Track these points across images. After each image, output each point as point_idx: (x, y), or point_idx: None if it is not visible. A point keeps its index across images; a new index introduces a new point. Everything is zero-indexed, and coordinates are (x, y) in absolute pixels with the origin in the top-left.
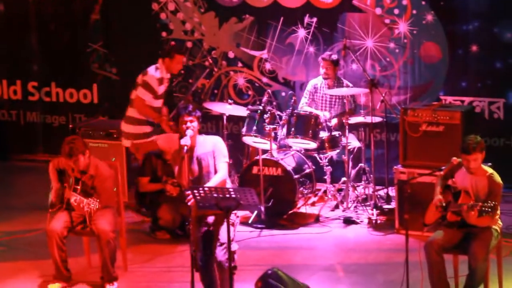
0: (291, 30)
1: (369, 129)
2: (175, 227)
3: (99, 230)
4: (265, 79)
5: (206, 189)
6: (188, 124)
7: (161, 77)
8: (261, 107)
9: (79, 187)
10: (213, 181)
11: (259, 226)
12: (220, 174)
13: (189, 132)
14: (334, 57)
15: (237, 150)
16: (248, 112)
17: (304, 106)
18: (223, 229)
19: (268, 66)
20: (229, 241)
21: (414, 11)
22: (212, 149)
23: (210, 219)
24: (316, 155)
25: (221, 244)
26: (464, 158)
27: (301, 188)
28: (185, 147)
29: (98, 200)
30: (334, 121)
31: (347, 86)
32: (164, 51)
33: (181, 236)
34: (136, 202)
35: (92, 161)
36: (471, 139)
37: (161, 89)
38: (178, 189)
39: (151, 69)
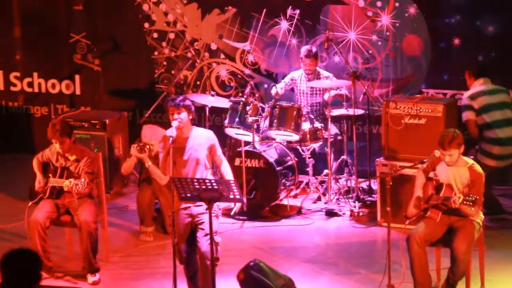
0: (274, 22)
1: (352, 121)
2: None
3: (81, 221)
4: (247, 71)
5: (188, 180)
6: (175, 115)
7: None
8: (243, 99)
9: (65, 175)
10: (228, 173)
11: (241, 218)
12: (227, 163)
13: (174, 124)
14: (314, 49)
15: (220, 142)
16: (231, 103)
17: (278, 89)
18: (208, 220)
19: (250, 58)
20: (212, 232)
21: (397, 4)
22: (209, 142)
23: (194, 210)
24: (298, 147)
25: (206, 235)
26: (441, 152)
27: (283, 180)
28: (171, 138)
29: (85, 179)
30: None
31: (327, 77)
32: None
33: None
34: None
35: (77, 146)
36: (449, 133)
37: None
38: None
39: None
